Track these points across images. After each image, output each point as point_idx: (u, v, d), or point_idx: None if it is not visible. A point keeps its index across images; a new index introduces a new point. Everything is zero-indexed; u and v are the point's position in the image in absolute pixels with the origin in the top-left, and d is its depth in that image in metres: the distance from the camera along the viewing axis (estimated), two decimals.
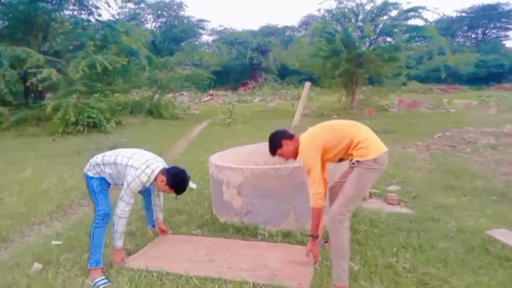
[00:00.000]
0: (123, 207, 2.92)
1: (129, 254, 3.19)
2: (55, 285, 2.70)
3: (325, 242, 3.12)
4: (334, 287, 2.46)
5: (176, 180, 2.91)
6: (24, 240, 3.74)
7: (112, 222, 2.96)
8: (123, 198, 2.92)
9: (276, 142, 2.79)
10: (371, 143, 2.56)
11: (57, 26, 12.99)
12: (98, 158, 3.09)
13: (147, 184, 2.97)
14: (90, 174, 3.07)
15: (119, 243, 2.95)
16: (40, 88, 11.80)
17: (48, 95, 13.50)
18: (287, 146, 2.77)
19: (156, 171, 2.92)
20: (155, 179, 2.94)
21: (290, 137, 2.78)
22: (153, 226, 3.65)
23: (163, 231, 3.58)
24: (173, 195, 3.15)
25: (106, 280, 2.73)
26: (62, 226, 3.96)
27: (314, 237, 2.66)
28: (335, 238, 2.46)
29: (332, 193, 2.89)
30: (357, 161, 2.54)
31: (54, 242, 3.48)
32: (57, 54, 12.61)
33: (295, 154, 2.80)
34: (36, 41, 12.37)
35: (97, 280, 2.72)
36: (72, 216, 4.39)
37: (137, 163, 2.91)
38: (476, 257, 2.90)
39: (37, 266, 3.00)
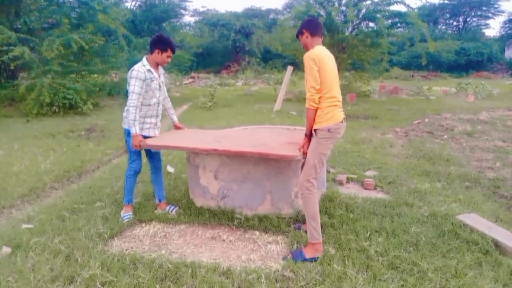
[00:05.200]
0: (134, 97, 3.27)
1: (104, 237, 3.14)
2: (24, 270, 2.63)
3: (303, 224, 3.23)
4: (309, 245, 2.82)
5: (163, 41, 3.35)
6: None
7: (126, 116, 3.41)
8: (136, 90, 3.28)
9: (301, 28, 3.01)
10: (329, 112, 2.80)
11: (30, 2, 12.39)
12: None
13: (149, 75, 3.35)
14: (126, 126, 3.42)
15: (133, 130, 3.30)
16: (12, 67, 11.33)
17: (21, 74, 12.99)
18: (305, 38, 2.99)
19: (144, 59, 3.39)
20: (153, 63, 3.41)
21: (313, 33, 2.96)
22: (160, 200, 3.80)
23: (179, 128, 4.09)
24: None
25: (131, 215, 3.54)
26: (34, 209, 3.86)
27: (308, 136, 2.94)
28: (307, 204, 2.83)
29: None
30: (314, 130, 2.86)
31: (24, 226, 3.40)
32: (30, 32, 12.05)
33: (305, 48, 3.03)
34: (7, 18, 11.79)
35: (125, 214, 3.52)
36: (45, 199, 4.28)
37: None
38: (446, 241, 2.98)
39: (6, 250, 2.93)
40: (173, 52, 3.43)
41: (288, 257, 2.83)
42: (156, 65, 3.47)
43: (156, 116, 3.59)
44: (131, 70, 3.31)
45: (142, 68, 3.32)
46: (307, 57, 2.79)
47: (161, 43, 3.35)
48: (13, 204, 4.08)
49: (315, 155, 2.83)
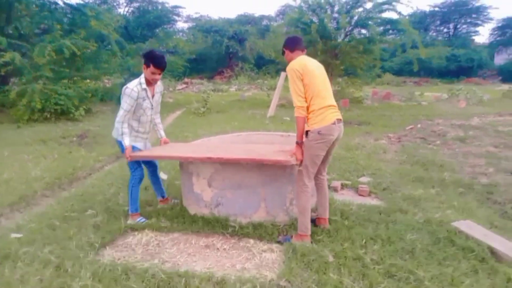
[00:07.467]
0: (121, 113, 3.34)
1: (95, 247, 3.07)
2: (12, 281, 2.56)
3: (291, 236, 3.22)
4: (298, 235, 3.07)
5: (147, 56, 3.29)
6: None
7: (116, 128, 3.45)
8: (124, 107, 3.33)
9: (282, 47, 3.23)
10: (321, 113, 2.89)
11: (22, 8, 12.27)
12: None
13: (143, 94, 3.39)
14: (119, 138, 3.45)
15: (126, 142, 3.37)
16: (3, 73, 11.19)
17: (12, 80, 12.84)
18: (286, 55, 3.19)
19: (142, 76, 3.38)
20: (146, 80, 3.38)
21: (292, 49, 3.14)
22: (162, 197, 4.00)
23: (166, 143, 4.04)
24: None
25: (144, 219, 3.59)
26: (24, 218, 3.78)
27: (299, 143, 3.00)
28: (299, 199, 3.07)
29: None
30: (306, 132, 2.96)
31: (13, 235, 3.32)
32: (22, 38, 11.94)
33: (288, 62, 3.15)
34: None
35: (138, 219, 3.57)
36: (35, 208, 4.20)
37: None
38: (442, 249, 2.96)
39: None
40: (158, 68, 3.29)
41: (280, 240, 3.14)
42: (150, 82, 3.45)
43: (148, 132, 3.72)
44: (125, 87, 3.33)
45: (137, 87, 3.33)
46: (289, 69, 2.96)
47: (145, 58, 3.31)
48: (2, 212, 3.99)
49: (306, 156, 2.97)
